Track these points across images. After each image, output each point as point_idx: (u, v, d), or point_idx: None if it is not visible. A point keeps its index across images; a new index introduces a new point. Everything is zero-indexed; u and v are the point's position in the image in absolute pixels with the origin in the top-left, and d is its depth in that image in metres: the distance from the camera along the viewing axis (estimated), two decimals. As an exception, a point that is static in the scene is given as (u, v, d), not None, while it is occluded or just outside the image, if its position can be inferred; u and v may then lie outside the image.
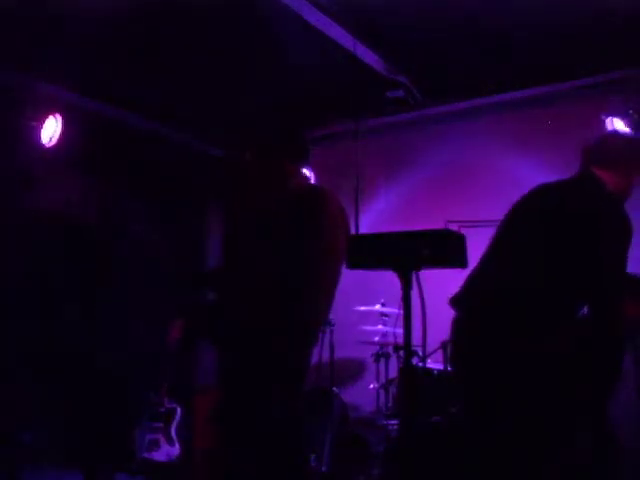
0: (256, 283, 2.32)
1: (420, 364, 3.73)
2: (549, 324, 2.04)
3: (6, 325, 4.17)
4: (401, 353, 3.90)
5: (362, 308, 4.41)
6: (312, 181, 4.02)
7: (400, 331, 3.00)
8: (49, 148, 4.28)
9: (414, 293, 2.54)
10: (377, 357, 4.39)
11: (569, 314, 2.08)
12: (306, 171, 3.63)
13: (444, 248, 2.47)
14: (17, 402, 4.07)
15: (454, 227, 3.56)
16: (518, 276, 2.14)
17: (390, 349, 4.32)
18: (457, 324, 2.31)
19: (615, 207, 2.12)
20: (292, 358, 2.38)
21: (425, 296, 2.55)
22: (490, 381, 2.10)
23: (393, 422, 3.88)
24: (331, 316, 4.01)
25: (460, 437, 3.31)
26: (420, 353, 3.74)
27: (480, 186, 4.57)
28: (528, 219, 2.27)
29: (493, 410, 2.08)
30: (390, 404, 4.22)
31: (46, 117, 4.25)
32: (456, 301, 2.34)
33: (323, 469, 3.86)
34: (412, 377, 3.49)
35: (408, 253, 2.48)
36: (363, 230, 4.73)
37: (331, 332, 4.44)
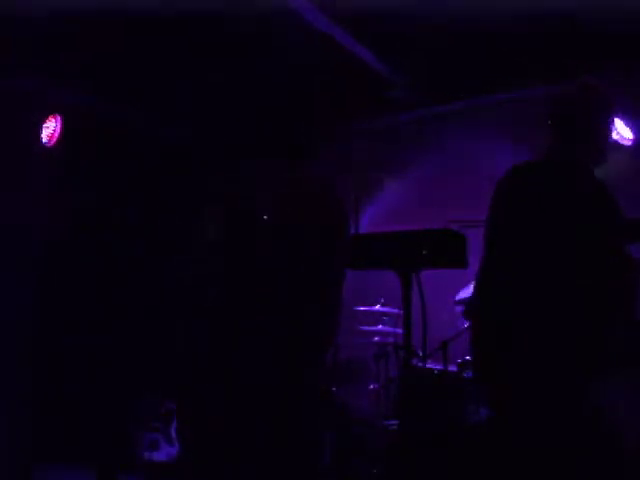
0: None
1: (420, 364, 3.73)
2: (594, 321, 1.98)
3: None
4: (401, 353, 3.90)
5: (362, 308, 4.41)
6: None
7: (400, 331, 3.01)
8: (49, 148, 4.27)
9: (414, 293, 2.55)
10: (377, 357, 4.39)
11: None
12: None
13: (444, 248, 2.48)
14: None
15: (454, 227, 3.56)
16: (554, 275, 2.00)
17: (390, 349, 4.32)
18: (483, 334, 2.13)
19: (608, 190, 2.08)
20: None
21: (425, 296, 2.56)
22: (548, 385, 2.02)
23: (393, 422, 3.87)
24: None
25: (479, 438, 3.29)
26: (420, 353, 3.75)
27: (480, 186, 4.56)
28: (543, 214, 2.11)
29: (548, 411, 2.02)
30: (390, 404, 4.21)
31: (46, 117, 4.25)
32: (474, 313, 2.20)
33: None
34: (412, 377, 3.49)
35: (408, 253, 2.49)
36: (363, 230, 4.74)
37: (331, 332, 4.43)
